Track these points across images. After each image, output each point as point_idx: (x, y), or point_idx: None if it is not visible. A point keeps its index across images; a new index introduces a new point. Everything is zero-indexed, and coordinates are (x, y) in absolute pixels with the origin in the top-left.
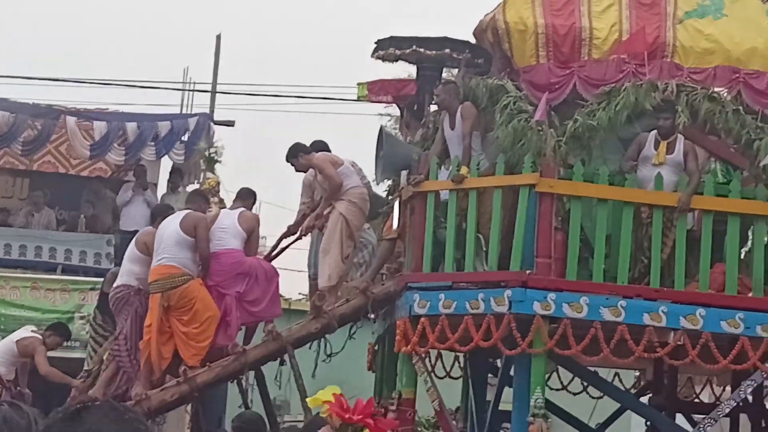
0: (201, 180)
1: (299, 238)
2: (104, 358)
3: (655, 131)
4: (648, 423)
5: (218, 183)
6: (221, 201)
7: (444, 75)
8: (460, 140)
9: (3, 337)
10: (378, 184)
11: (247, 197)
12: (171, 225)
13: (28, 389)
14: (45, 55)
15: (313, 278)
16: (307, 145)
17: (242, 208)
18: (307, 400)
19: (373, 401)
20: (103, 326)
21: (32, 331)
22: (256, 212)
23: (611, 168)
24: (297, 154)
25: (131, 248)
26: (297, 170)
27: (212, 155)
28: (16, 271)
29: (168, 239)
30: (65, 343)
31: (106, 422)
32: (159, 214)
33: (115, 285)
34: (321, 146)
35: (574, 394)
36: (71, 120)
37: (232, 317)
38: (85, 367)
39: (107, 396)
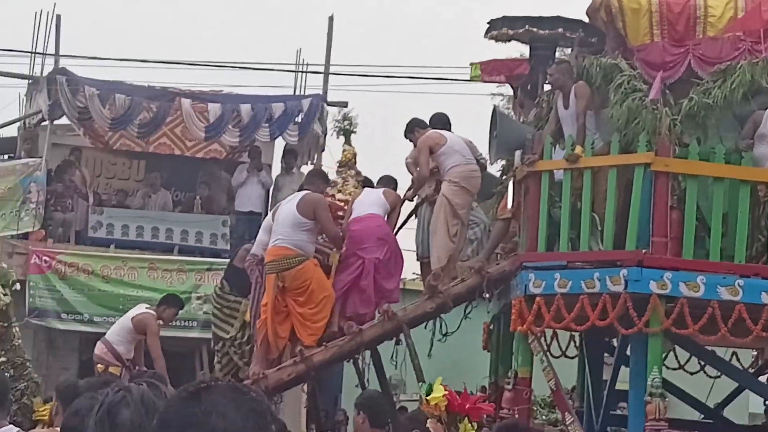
0: (315, 161)
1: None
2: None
3: None
4: (766, 402)
5: (354, 155)
6: (358, 173)
7: (557, 54)
8: (574, 119)
9: None
10: (492, 164)
11: (388, 183)
12: (288, 206)
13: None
14: (160, 38)
15: (420, 258)
16: (426, 120)
17: (386, 188)
18: (428, 398)
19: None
20: (233, 294)
21: (146, 308)
22: None
23: (727, 146)
24: (413, 129)
25: (267, 220)
26: (415, 146)
27: (347, 127)
28: (134, 252)
29: (284, 220)
30: (183, 323)
31: (225, 402)
32: None
33: (250, 255)
34: (440, 119)
35: (692, 373)
36: (186, 102)
37: (369, 281)
38: (227, 335)
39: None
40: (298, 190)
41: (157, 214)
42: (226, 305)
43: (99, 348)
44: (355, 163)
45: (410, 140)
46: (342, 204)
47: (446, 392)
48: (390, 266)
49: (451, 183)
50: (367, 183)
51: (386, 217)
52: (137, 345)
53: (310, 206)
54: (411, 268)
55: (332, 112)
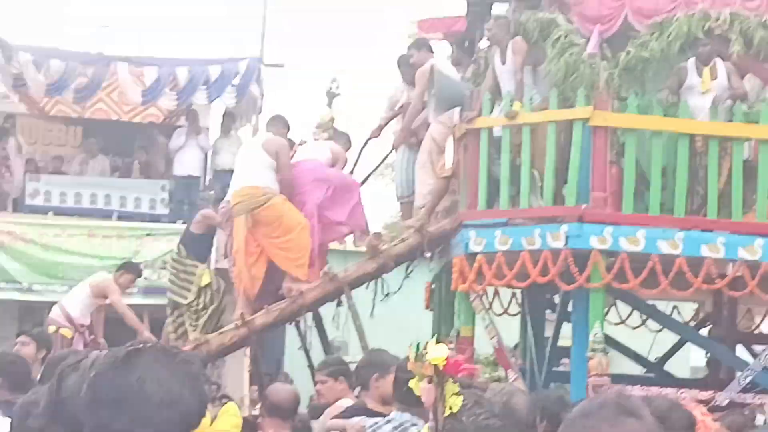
0: (253, 123)
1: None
2: (202, 281)
3: (693, 59)
4: (708, 355)
5: (332, 119)
6: (331, 137)
7: (493, 10)
8: (512, 75)
9: (62, 286)
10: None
11: (339, 137)
12: (251, 147)
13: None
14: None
15: (400, 198)
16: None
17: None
18: (431, 359)
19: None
20: (190, 259)
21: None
22: None
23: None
24: (421, 48)
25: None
26: (410, 66)
27: (331, 89)
28: (72, 219)
29: (248, 160)
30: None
31: (158, 367)
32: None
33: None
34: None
35: (633, 327)
36: (122, 66)
37: (313, 226)
38: (184, 301)
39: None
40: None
41: (94, 180)
42: (182, 270)
43: (53, 311)
44: (332, 126)
45: (408, 59)
46: None
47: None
48: (337, 199)
49: (443, 125)
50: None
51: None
52: (96, 311)
53: (274, 147)
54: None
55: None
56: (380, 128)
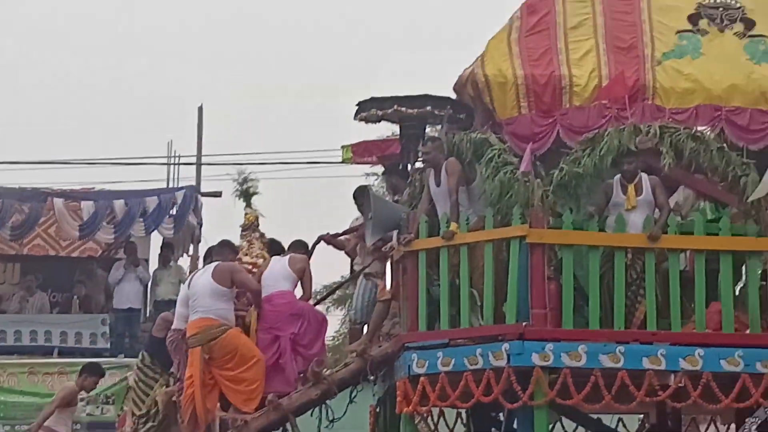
0: (191, 252)
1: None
2: (157, 399)
3: (618, 176)
4: None
5: (257, 218)
6: (262, 235)
7: (427, 132)
8: (447, 196)
9: (4, 426)
10: (368, 245)
11: (297, 248)
12: (202, 278)
13: None
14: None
15: (353, 323)
16: None
17: (292, 254)
18: None
19: None
20: (152, 368)
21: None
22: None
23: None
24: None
25: (183, 291)
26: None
27: (249, 188)
28: (13, 357)
29: (202, 292)
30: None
31: None
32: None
33: (171, 329)
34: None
35: None
36: (58, 201)
37: (287, 359)
38: (139, 411)
39: None
40: (207, 260)
41: (34, 317)
42: (143, 379)
43: None
44: (258, 225)
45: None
46: (251, 266)
47: None
48: (310, 333)
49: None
50: (273, 244)
51: (298, 283)
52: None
53: (227, 274)
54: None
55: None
56: (336, 236)
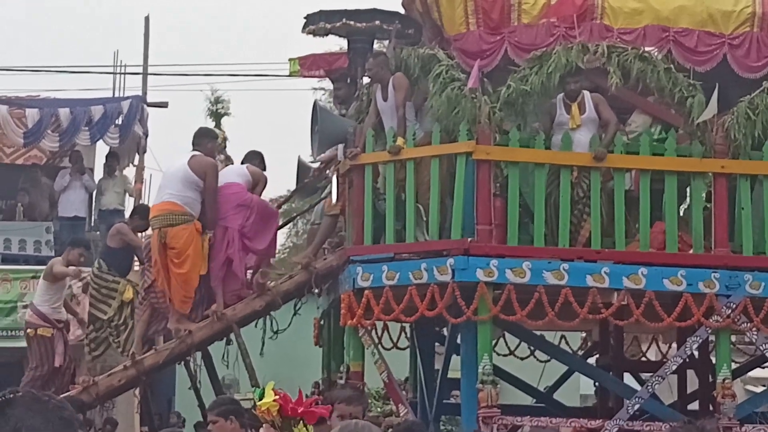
0: (137, 162)
1: None
2: (124, 299)
3: (561, 95)
4: (596, 384)
5: (225, 139)
6: (228, 158)
7: (375, 47)
8: (394, 111)
9: None
10: (315, 159)
11: (253, 158)
12: (177, 163)
13: None
14: None
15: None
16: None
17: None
18: (259, 404)
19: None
20: (111, 274)
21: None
22: None
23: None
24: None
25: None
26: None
27: (219, 110)
28: None
29: (173, 176)
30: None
31: (32, 415)
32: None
33: (149, 232)
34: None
35: (522, 358)
36: (3, 108)
37: (235, 251)
38: (105, 316)
39: (149, 336)
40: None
41: None
42: (104, 285)
43: (26, 314)
44: (225, 147)
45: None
46: None
47: (278, 397)
48: (257, 227)
49: None
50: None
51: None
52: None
53: (202, 167)
54: None
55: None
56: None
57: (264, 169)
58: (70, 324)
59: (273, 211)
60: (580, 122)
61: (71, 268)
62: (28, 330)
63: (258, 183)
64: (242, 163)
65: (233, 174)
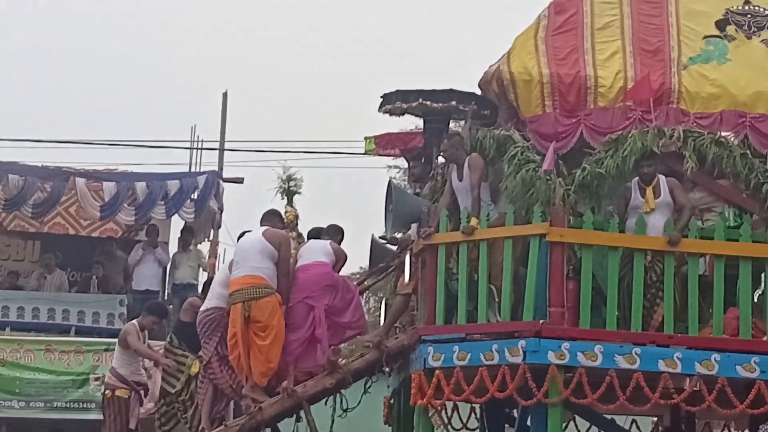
0: (212, 237)
1: None
2: (191, 373)
3: (636, 179)
4: None
5: (296, 216)
6: (299, 236)
7: (451, 127)
8: (469, 192)
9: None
10: (388, 237)
11: (335, 233)
12: (252, 236)
13: None
14: (53, 118)
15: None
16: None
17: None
18: None
19: None
20: (181, 349)
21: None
22: None
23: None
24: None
25: (224, 273)
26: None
27: (291, 187)
28: (30, 334)
29: (251, 249)
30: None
31: None
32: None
33: (205, 307)
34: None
35: None
36: (81, 181)
37: (322, 331)
38: (173, 390)
39: (213, 416)
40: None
41: (52, 295)
42: (174, 359)
43: (106, 377)
44: (297, 224)
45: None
46: None
47: None
48: (343, 302)
49: None
50: (311, 233)
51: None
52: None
53: (277, 238)
54: None
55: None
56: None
57: (340, 243)
58: (143, 395)
59: (354, 286)
60: (654, 206)
61: (142, 347)
62: (106, 391)
63: (339, 260)
64: (323, 235)
65: (319, 252)
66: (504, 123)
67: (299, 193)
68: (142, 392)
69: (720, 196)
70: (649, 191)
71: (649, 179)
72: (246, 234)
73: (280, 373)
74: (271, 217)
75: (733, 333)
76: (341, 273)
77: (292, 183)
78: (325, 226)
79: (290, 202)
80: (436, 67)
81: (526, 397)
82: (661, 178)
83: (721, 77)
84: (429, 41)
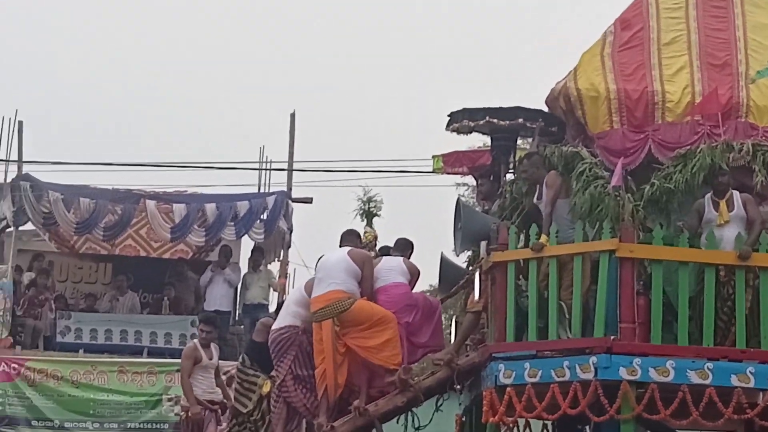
0: (281, 258)
1: None
2: (263, 393)
3: (709, 194)
4: None
5: (375, 237)
6: (377, 256)
7: (518, 144)
8: (543, 209)
9: (93, 423)
10: (458, 255)
11: (405, 248)
12: (336, 255)
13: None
14: (124, 142)
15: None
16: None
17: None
18: None
19: None
20: (253, 370)
21: None
22: None
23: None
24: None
25: (299, 292)
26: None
27: (371, 209)
28: (103, 355)
29: (335, 267)
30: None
31: None
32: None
33: (278, 326)
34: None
35: None
36: (151, 203)
37: (404, 351)
38: (245, 410)
39: None
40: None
41: (125, 317)
42: (245, 379)
43: (181, 397)
44: (375, 245)
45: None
46: None
47: None
48: (421, 322)
49: None
50: (381, 251)
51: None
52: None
53: (361, 258)
54: None
55: (297, 208)
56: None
57: (410, 257)
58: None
59: (436, 303)
60: (728, 218)
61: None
62: (182, 413)
63: (413, 276)
64: (393, 250)
65: (396, 272)
66: (572, 139)
67: (378, 215)
68: (218, 410)
69: None
70: (722, 204)
71: (722, 192)
72: (327, 254)
73: (353, 391)
74: (350, 237)
75: None
76: (418, 289)
77: (372, 204)
78: (392, 245)
79: (369, 223)
80: (501, 85)
81: (598, 413)
82: (735, 192)
83: None
84: (494, 60)
